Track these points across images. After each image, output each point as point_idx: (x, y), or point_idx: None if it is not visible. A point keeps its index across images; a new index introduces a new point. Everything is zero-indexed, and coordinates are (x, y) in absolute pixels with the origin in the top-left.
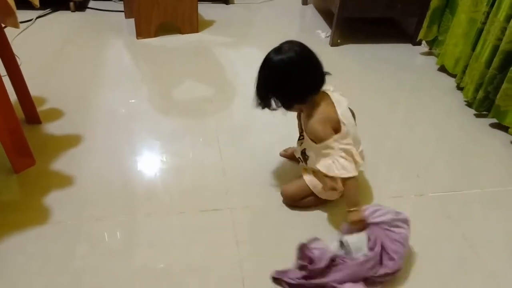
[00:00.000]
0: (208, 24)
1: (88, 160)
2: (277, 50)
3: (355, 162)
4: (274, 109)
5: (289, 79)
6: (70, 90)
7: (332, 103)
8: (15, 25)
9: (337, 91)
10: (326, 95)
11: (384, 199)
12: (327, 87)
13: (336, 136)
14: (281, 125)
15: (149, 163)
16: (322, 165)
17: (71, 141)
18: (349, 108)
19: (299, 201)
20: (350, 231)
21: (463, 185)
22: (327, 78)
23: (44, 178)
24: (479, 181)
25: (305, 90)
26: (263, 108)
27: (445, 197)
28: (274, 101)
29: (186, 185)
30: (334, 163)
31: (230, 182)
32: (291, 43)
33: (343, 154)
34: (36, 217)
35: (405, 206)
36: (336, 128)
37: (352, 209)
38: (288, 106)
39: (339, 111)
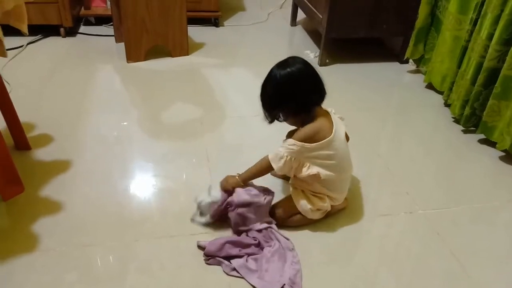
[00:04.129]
0: (198, 46)
1: (78, 185)
2: (282, 64)
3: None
4: (282, 121)
5: (299, 88)
6: (60, 115)
7: (332, 121)
8: (2, 54)
9: (337, 113)
10: (327, 112)
11: (374, 217)
12: (328, 108)
13: (307, 145)
14: (272, 145)
15: (139, 186)
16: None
17: (61, 166)
18: (346, 133)
19: (287, 219)
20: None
21: (451, 201)
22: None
23: (33, 205)
24: (467, 197)
25: (312, 99)
26: (272, 121)
27: (434, 214)
28: (282, 113)
29: (176, 208)
30: (279, 152)
31: None
32: (293, 58)
33: (288, 155)
34: (24, 245)
35: (395, 224)
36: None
37: (239, 176)
38: (294, 117)
39: (334, 132)
